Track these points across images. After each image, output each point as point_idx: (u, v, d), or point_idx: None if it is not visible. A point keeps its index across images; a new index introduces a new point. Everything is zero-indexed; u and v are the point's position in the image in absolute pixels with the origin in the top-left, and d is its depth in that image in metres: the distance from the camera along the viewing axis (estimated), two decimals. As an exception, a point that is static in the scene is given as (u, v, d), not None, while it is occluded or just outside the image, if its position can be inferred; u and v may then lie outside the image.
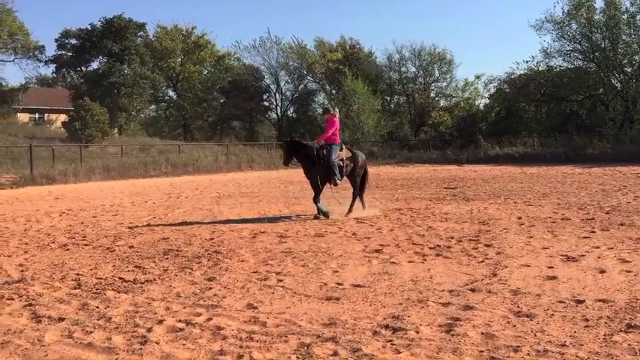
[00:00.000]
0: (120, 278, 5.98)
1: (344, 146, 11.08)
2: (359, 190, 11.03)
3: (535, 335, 4.02)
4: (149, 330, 4.28)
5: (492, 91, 45.69)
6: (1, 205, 13.81)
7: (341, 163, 10.64)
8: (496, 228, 8.83)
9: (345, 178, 10.87)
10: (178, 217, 10.79)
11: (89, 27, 42.60)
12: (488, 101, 46.86)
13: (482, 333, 4.08)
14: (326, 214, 10.38)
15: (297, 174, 26.47)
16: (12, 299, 5.22)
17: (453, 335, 4.05)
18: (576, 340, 3.89)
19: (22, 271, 6.44)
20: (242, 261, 6.74)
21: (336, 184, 10.68)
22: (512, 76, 41.88)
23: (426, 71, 47.71)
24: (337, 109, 11.28)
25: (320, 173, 10.58)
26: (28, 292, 5.48)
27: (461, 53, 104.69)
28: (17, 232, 9.32)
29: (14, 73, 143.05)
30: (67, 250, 7.72)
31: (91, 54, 42.76)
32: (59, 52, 44.36)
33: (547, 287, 5.27)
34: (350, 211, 10.74)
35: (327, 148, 10.61)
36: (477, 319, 4.37)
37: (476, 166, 28.45)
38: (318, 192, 10.63)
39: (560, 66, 39.63)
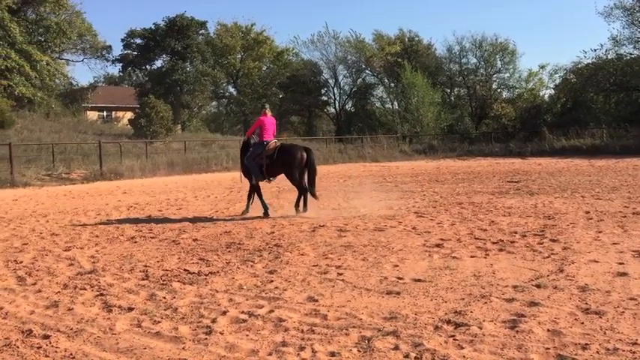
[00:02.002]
0: (185, 270, 6.16)
1: (274, 144, 10.56)
2: (306, 185, 10.40)
3: (604, 333, 3.87)
4: (214, 321, 4.39)
5: (558, 81, 44.32)
6: (73, 200, 14.46)
7: (261, 161, 10.44)
8: (562, 223, 8.55)
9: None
10: (240, 211, 10.99)
11: (153, 26, 43.96)
12: (553, 92, 45.41)
13: (548, 330, 3.97)
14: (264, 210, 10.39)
15: (355, 168, 26.50)
16: (85, 289, 5.47)
17: (517, 332, 3.96)
18: (650, 340, 3.73)
19: (94, 262, 6.73)
20: (302, 254, 6.81)
21: (250, 183, 10.74)
22: (579, 66, 40.36)
23: (488, 62, 46.58)
24: (268, 108, 11.01)
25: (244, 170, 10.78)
26: (99, 282, 5.72)
27: (524, 43, 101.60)
28: (88, 225, 9.74)
29: (83, 72, 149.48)
30: (135, 242, 8.01)
31: (155, 53, 44.13)
32: (125, 52, 46.03)
33: (617, 284, 5.07)
34: (296, 206, 10.43)
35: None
36: (542, 316, 4.26)
37: (540, 159, 27.63)
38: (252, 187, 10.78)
39: (631, 54, 37.93)
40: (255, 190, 10.81)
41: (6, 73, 34.59)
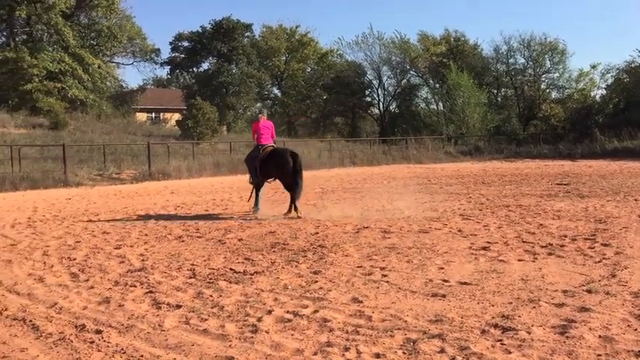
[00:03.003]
0: (231, 269, 6.25)
1: (270, 148, 11.05)
2: (291, 191, 10.82)
3: (660, 341, 3.74)
4: (259, 319, 4.45)
5: (610, 81, 42.88)
6: (123, 199, 14.86)
7: (256, 164, 10.98)
8: (614, 227, 8.29)
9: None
10: (284, 212, 11.07)
11: (200, 29, 44.77)
12: (605, 92, 43.98)
13: (599, 336, 3.87)
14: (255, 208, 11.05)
15: (399, 170, 26.33)
16: (135, 286, 5.62)
17: (567, 337, 3.86)
18: None
19: (143, 260, 6.90)
20: (346, 255, 6.82)
21: (250, 183, 11.43)
22: (633, 65, 39.00)
23: (536, 62, 45.46)
24: (264, 113, 11.64)
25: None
26: (148, 280, 5.87)
27: (574, 42, 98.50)
28: (138, 224, 10.00)
29: (133, 75, 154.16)
30: (182, 241, 8.17)
31: (201, 55, 44.97)
32: (173, 55, 47.08)
33: (674, 291, 4.89)
34: (289, 210, 10.73)
35: None
36: (593, 322, 4.15)
37: (591, 161, 26.86)
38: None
39: (688, 52, 36.36)
40: (255, 188, 11.27)
41: (60, 76, 35.85)
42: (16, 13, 35.27)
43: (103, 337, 4.13)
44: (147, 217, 10.92)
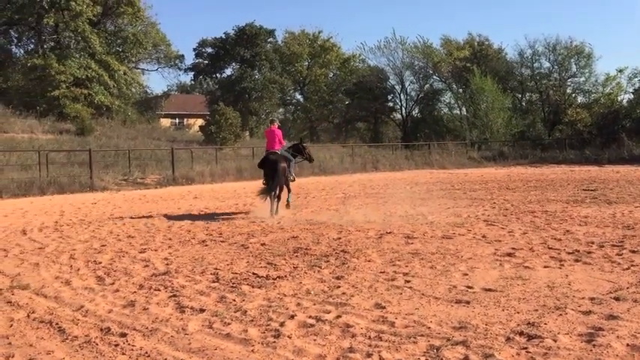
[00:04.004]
0: (253, 274, 6.27)
1: (269, 154, 11.95)
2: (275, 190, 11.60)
3: (692, 351, 3.65)
4: (282, 324, 4.45)
5: (637, 85, 42.11)
6: (148, 204, 15.02)
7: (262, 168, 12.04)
8: (643, 233, 8.13)
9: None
10: (306, 217, 11.08)
11: (223, 36, 45.15)
12: (632, 96, 43.18)
13: (627, 345, 3.79)
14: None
15: (421, 175, 26.19)
16: (159, 290, 5.67)
17: (594, 346, 3.79)
18: None
19: (167, 264, 6.96)
20: (369, 261, 6.79)
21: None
22: (661, 68, 38.25)
23: (562, 66, 44.87)
24: (275, 121, 12.58)
25: None
26: (172, 283, 5.91)
27: (601, 46, 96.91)
28: (162, 229, 10.09)
29: (158, 81, 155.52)
30: (206, 245, 8.23)
31: (225, 61, 45.33)
32: (197, 61, 47.55)
33: None
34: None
35: None
36: (621, 330, 4.06)
37: (619, 167, 26.41)
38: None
39: None
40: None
41: (86, 82, 36.44)
42: (44, 21, 35.97)
43: (127, 341, 4.17)
44: (171, 222, 11.02)
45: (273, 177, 11.38)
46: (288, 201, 12.09)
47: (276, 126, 12.25)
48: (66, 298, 5.43)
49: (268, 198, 11.50)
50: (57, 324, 4.62)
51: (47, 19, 35.58)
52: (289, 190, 12.20)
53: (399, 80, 51.13)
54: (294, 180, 12.48)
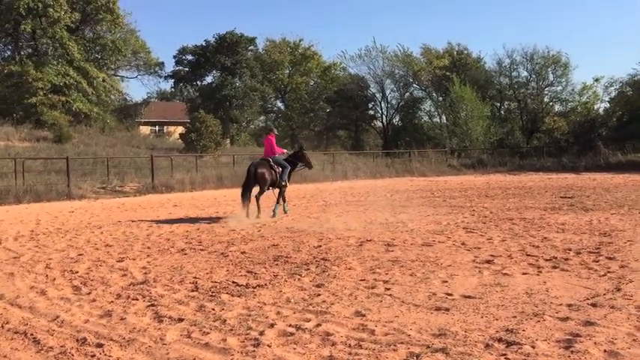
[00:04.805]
0: (233, 282, 6.23)
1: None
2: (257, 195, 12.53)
3: (667, 356, 3.70)
4: (261, 333, 4.42)
5: (613, 94, 42.90)
6: (126, 212, 14.85)
7: None
8: (619, 240, 8.25)
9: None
10: (287, 225, 11.05)
11: (204, 43, 44.98)
12: (608, 105, 43.97)
13: (605, 350, 3.83)
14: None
15: (402, 182, 26.30)
16: (136, 299, 5.60)
17: (572, 352, 3.83)
18: None
19: (146, 273, 6.88)
20: (349, 269, 6.79)
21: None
22: (636, 78, 39.01)
23: (539, 75, 45.50)
24: (272, 130, 13.73)
25: None
26: (150, 293, 5.85)
27: (577, 55, 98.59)
28: (140, 237, 9.98)
29: (137, 88, 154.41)
30: (185, 254, 8.16)
31: (205, 69, 45.10)
32: (177, 68, 47.22)
33: (680, 305, 4.84)
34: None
35: None
36: (599, 336, 4.11)
37: (595, 174, 26.81)
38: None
39: (691, 65, 36.38)
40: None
41: (64, 89, 36.03)
42: (21, 27, 35.53)
43: (104, 351, 4.10)
44: (150, 230, 10.90)
45: (246, 183, 12.36)
46: (285, 210, 13.00)
47: (273, 135, 13.33)
48: (41, 309, 5.33)
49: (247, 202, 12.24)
50: (32, 334, 4.54)
51: (24, 26, 35.14)
52: (284, 200, 13.10)
53: (380, 88, 51.45)
54: (286, 185, 13.02)
